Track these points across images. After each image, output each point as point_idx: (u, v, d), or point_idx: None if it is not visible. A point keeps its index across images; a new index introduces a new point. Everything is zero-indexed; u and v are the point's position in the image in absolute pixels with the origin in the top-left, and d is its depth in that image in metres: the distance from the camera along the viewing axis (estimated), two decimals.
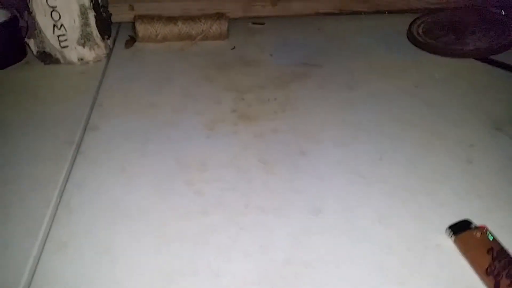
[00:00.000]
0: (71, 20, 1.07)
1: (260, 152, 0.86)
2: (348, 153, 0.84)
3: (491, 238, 0.63)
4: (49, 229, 0.70)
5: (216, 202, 0.75)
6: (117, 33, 1.27)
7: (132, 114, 0.96)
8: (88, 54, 1.13)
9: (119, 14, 1.26)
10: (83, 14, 1.07)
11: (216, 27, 1.20)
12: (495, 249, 0.61)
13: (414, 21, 1.20)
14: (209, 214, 0.72)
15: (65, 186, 0.78)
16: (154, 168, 0.82)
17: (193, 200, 0.75)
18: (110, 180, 0.80)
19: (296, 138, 0.89)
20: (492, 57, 1.07)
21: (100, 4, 1.13)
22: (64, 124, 0.94)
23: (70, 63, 1.13)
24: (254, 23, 1.30)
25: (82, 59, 1.14)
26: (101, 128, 0.92)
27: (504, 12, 1.15)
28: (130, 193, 0.77)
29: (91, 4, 1.08)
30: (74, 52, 1.12)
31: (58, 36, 1.09)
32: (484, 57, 1.07)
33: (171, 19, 1.20)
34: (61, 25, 1.07)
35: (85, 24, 1.09)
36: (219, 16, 1.21)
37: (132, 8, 1.26)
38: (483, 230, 0.64)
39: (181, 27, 1.19)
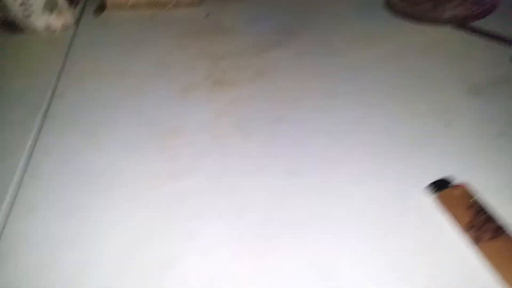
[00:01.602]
0: None
1: (236, 118, 0.83)
2: (326, 119, 0.83)
3: (471, 195, 0.62)
4: (15, 195, 0.66)
5: (190, 167, 0.72)
6: (86, 1, 1.22)
7: (101, 82, 0.92)
8: (55, 22, 1.08)
9: None
10: None
11: None
12: (475, 205, 0.61)
13: None
14: (184, 179, 0.70)
15: (32, 152, 0.74)
16: (125, 134, 0.79)
17: (167, 165, 0.73)
18: (80, 146, 0.76)
19: (273, 105, 0.87)
20: (469, 24, 1.06)
21: None
22: (30, 93, 0.89)
23: (35, 32, 1.08)
24: None
25: (48, 28, 1.08)
26: (69, 95, 0.88)
27: None
28: (101, 159, 0.73)
29: None
30: (40, 20, 1.07)
31: (21, 4, 1.03)
32: (461, 25, 1.07)
33: None
34: None
35: None
36: None
37: None
38: (463, 187, 0.64)
39: None
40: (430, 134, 0.79)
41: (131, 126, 0.80)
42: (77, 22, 1.11)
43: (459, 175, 0.68)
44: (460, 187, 0.64)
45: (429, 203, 0.65)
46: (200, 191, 0.67)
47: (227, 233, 0.61)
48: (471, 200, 0.62)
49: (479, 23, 1.08)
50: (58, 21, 1.07)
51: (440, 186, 0.65)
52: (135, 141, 0.77)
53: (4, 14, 1.03)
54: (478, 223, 0.59)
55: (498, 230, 0.58)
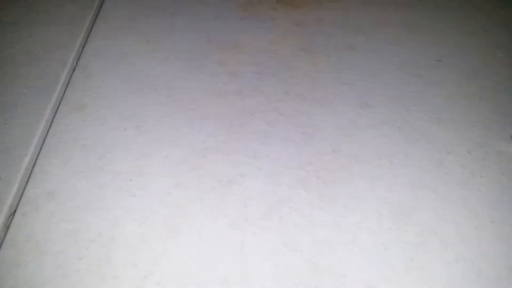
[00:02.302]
0: None
1: (302, 42, 0.75)
2: (403, 52, 0.74)
3: None
4: (64, 92, 0.61)
5: (252, 85, 0.66)
6: None
7: None
8: None
9: None
10: None
11: None
12: None
13: None
14: (245, 96, 0.64)
15: (82, 50, 0.68)
16: (182, 43, 0.72)
17: (228, 81, 0.66)
18: (134, 50, 0.70)
19: (344, 31, 0.78)
20: None
21: None
22: None
23: None
24: None
25: None
26: None
27: None
28: (156, 66, 0.67)
29: None
30: None
31: None
32: None
33: None
34: None
35: None
36: None
37: None
38: None
39: None
40: None
41: (189, 36, 0.73)
42: None
43: None
44: None
45: None
46: (263, 112, 0.61)
47: (292, 158, 0.56)
48: None
49: None
50: None
51: None
52: (193, 52, 0.70)
53: None
54: None
55: None
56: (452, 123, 0.63)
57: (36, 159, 0.52)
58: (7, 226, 0.46)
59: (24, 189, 0.49)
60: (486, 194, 0.54)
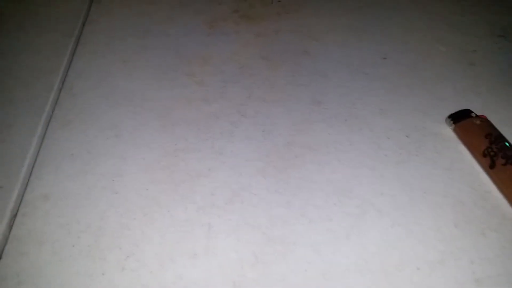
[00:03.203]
0: None
1: (262, 50, 0.85)
2: (351, 53, 0.84)
3: (490, 125, 0.64)
4: (53, 110, 0.70)
5: (218, 92, 0.75)
6: None
7: (130, 10, 0.94)
8: None
9: None
10: None
11: None
12: (494, 134, 0.63)
13: None
14: (212, 102, 0.73)
15: (66, 73, 0.77)
16: (155, 60, 0.82)
17: (196, 90, 0.75)
18: (112, 70, 0.79)
19: (299, 39, 0.88)
20: None
21: None
22: (63, 19, 0.91)
23: None
24: None
25: None
26: (100, 22, 0.90)
27: None
28: (132, 82, 0.77)
29: None
30: None
31: None
32: None
33: None
34: None
35: None
36: None
37: None
38: (484, 117, 0.66)
39: None
40: (453, 72, 0.80)
41: (160, 54, 0.83)
42: None
43: (478, 110, 0.69)
44: (481, 117, 0.66)
45: (448, 134, 0.68)
46: (227, 115, 0.70)
47: (253, 152, 0.65)
48: (489, 130, 0.64)
49: None
50: None
51: (460, 116, 0.67)
52: (164, 67, 0.80)
53: None
54: (495, 149, 0.61)
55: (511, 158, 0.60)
56: (393, 112, 0.72)
57: (32, 169, 0.61)
58: (10, 226, 0.54)
59: (23, 194, 0.58)
60: (420, 170, 0.63)
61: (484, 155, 0.61)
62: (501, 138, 0.62)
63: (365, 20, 0.92)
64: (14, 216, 0.55)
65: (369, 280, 0.50)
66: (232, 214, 0.56)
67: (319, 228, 0.54)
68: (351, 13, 0.94)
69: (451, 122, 0.67)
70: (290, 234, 0.54)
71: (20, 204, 0.56)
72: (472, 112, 0.68)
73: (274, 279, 0.50)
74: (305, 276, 0.50)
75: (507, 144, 0.61)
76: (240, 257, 0.51)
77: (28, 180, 0.59)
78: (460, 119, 0.67)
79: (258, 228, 0.54)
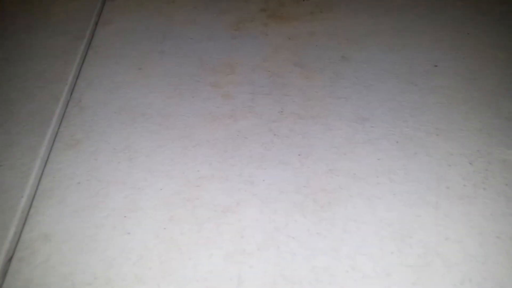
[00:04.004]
0: None
1: (295, 56, 0.75)
2: (398, 60, 0.73)
3: None
4: (58, 127, 0.61)
5: (246, 106, 0.65)
6: None
7: (148, 10, 0.84)
8: None
9: None
10: None
11: None
12: None
13: None
14: (239, 119, 0.63)
15: (75, 82, 0.68)
16: (175, 68, 0.72)
17: (221, 104, 0.66)
18: (126, 78, 0.70)
19: (337, 42, 0.77)
20: None
21: None
22: (74, 20, 0.82)
23: None
24: None
25: None
26: (114, 23, 0.81)
27: None
28: (148, 94, 0.67)
29: None
30: None
31: None
32: None
33: None
34: None
35: None
36: None
37: None
38: None
39: None
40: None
41: (181, 60, 0.73)
42: None
43: None
44: None
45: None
46: (257, 134, 0.61)
47: (289, 181, 0.55)
48: None
49: None
50: None
51: None
52: (186, 76, 0.70)
53: None
54: None
55: None
56: (451, 132, 0.61)
57: (32, 201, 0.52)
58: (4, 273, 0.46)
59: (20, 233, 0.49)
60: (490, 208, 0.52)
61: None
62: None
63: (409, 21, 0.81)
64: (9, 260, 0.46)
65: None
66: (267, 263, 0.46)
67: (375, 285, 0.44)
68: (393, 13, 0.83)
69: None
70: None
71: (16, 245, 0.48)
72: None
73: None
74: None
75: None
76: None
77: (27, 215, 0.51)
78: None
79: (299, 285, 0.44)
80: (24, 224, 0.50)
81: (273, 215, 0.51)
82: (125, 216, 0.50)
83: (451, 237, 0.49)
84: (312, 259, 0.47)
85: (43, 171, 0.56)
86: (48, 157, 0.57)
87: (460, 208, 0.52)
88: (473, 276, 0.46)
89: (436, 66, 0.73)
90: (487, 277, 0.46)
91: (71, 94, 0.67)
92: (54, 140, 0.60)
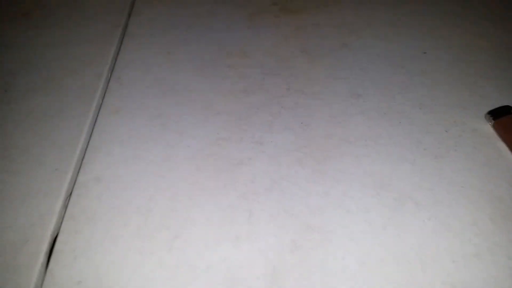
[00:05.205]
0: None
1: (301, 43, 0.86)
2: (391, 47, 0.84)
3: None
4: (102, 99, 0.74)
5: (258, 84, 0.77)
6: None
7: (174, 3, 0.97)
8: None
9: None
10: None
11: None
12: None
13: None
14: (252, 94, 0.75)
15: (115, 63, 0.81)
16: (197, 53, 0.84)
17: (236, 82, 0.78)
18: (157, 61, 0.82)
19: (339, 32, 0.89)
20: None
21: None
22: (109, 9, 0.95)
23: None
24: None
25: None
26: (145, 14, 0.94)
27: None
28: (176, 74, 0.80)
29: None
30: None
31: None
32: None
33: None
34: None
35: None
36: None
37: None
38: None
39: None
40: (497, 69, 0.79)
41: (203, 46, 0.85)
42: None
43: None
44: None
45: (487, 130, 0.67)
46: (267, 106, 0.72)
47: (292, 143, 0.66)
48: None
49: None
50: None
51: (500, 113, 0.67)
52: (206, 60, 0.82)
53: None
54: None
55: None
56: (433, 107, 0.72)
57: (84, 153, 0.65)
58: (66, 205, 0.59)
59: (76, 176, 0.62)
60: (458, 164, 0.63)
61: None
62: None
63: (405, 14, 0.92)
64: (69, 196, 0.59)
65: (405, 269, 0.51)
66: (272, 201, 0.58)
67: (356, 218, 0.56)
68: (391, 7, 0.94)
69: (491, 118, 0.67)
70: (328, 223, 0.56)
71: (74, 185, 0.60)
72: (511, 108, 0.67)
73: (312, 265, 0.52)
74: (342, 264, 0.52)
75: None
76: (279, 243, 0.54)
77: (81, 164, 0.63)
78: (500, 115, 0.67)
79: (296, 217, 0.56)
80: (79, 170, 0.63)
81: (278, 167, 0.63)
82: (161, 166, 0.63)
83: (424, 185, 0.60)
84: (308, 199, 0.59)
85: (92, 131, 0.68)
86: (95, 121, 0.70)
87: (434, 164, 0.63)
88: (439, 215, 0.57)
89: (424, 53, 0.84)
90: (450, 215, 0.57)
91: (111, 72, 0.80)
92: (99, 108, 0.72)
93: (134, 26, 0.89)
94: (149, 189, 0.60)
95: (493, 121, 0.66)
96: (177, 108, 0.72)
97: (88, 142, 0.67)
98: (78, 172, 0.63)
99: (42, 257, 0.53)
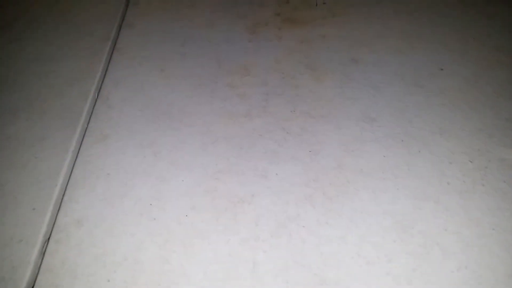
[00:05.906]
0: None
1: (307, 58, 0.79)
2: (405, 62, 0.77)
3: None
4: (88, 123, 0.67)
5: (260, 106, 0.70)
6: None
7: (169, 13, 0.89)
8: None
9: None
10: None
11: None
12: None
13: None
14: (254, 117, 0.68)
15: (102, 81, 0.74)
16: (194, 69, 0.77)
17: (237, 103, 0.70)
18: (149, 79, 0.75)
19: (347, 45, 0.81)
20: None
21: None
22: (99, 22, 0.88)
23: None
24: None
25: None
26: (137, 26, 0.86)
27: None
28: (170, 93, 0.72)
29: None
30: None
31: None
32: None
33: None
34: None
35: None
36: None
37: None
38: None
39: None
40: None
41: (200, 62, 0.78)
42: None
43: None
44: None
45: None
46: (271, 132, 0.65)
47: (300, 175, 0.59)
48: None
49: None
50: None
51: None
52: (204, 77, 0.75)
53: None
54: None
55: None
56: (454, 132, 0.65)
57: (65, 189, 0.58)
58: (42, 253, 0.51)
59: (56, 218, 0.55)
60: (487, 202, 0.56)
61: None
62: None
63: (418, 25, 0.85)
64: (46, 240, 0.51)
65: None
66: (279, 249, 0.51)
67: (378, 271, 0.49)
68: (403, 17, 0.87)
69: None
70: (345, 276, 0.48)
71: (52, 228, 0.53)
72: None
73: None
74: None
75: None
76: None
77: (61, 202, 0.56)
78: None
79: (309, 269, 0.49)
80: (58, 210, 0.55)
81: (285, 206, 0.55)
82: (150, 204, 0.56)
83: (450, 228, 0.53)
84: (321, 246, 0.51)
85: (74, 162, 0.61)
86: (79, 149, 0.63)
87: (459, 202, 0.56)
88: (469, 264, 0.50)
89: (441, 69, 0.76)
90: (482, 264, 0.50)
91: (99, 92, 0.72)
92: (84, 135, 0.65)
93: (124, 40, 0.82)
94: (138, 235, 0.52)
95: None
96: (171, 134, 0.64)
97: (70, 175, 0.59)
98: (57, 213, 0.55)
99: None
